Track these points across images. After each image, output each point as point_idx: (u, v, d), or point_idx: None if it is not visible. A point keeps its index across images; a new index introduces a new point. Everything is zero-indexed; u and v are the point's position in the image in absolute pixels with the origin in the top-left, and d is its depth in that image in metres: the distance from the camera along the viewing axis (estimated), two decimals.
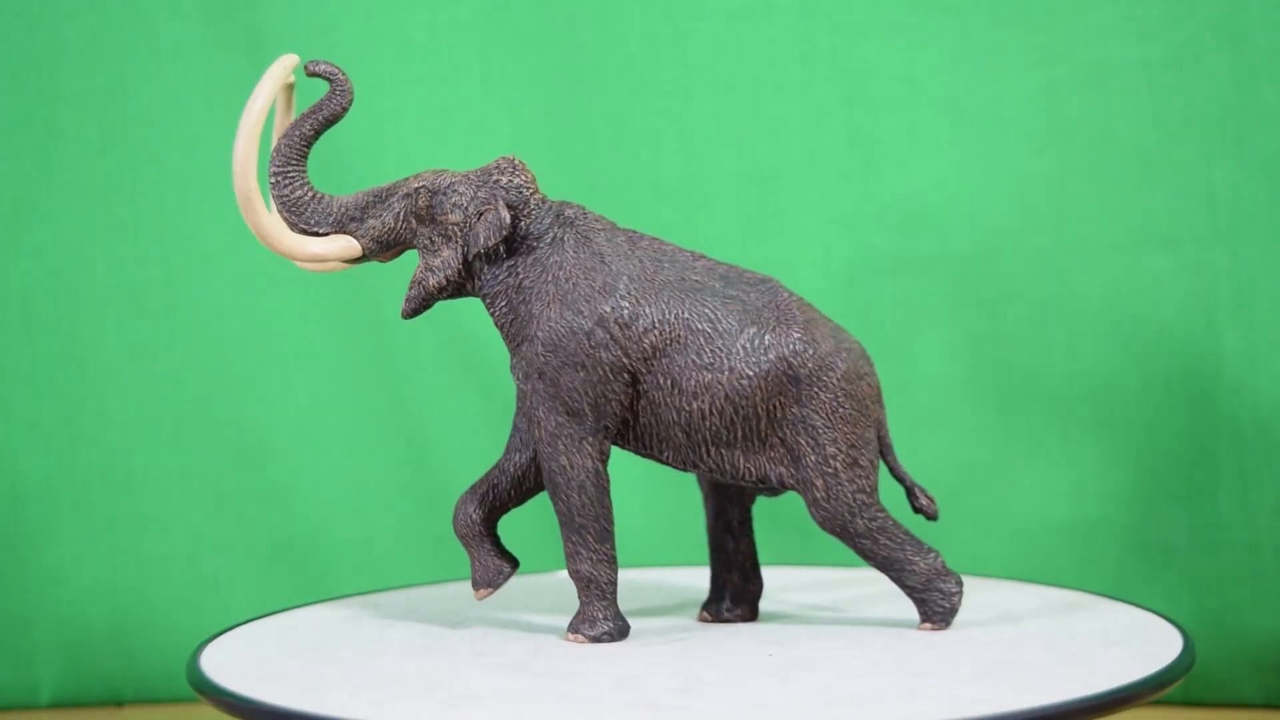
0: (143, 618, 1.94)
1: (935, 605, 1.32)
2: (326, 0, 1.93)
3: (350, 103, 1.36)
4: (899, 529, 1.31)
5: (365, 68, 1.93)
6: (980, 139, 1.86)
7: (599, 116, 1.93)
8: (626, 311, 1.30)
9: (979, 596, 1.53)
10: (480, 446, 1.94)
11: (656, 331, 1.30)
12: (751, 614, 1.42)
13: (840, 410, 1.29)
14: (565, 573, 1.76)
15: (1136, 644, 1.29)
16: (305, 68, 1.36)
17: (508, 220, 1.33)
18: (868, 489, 1.30)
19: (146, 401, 1.95)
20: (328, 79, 1.36)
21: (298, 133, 1.36)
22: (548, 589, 1.64)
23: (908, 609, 1.45)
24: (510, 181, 1.37)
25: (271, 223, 1.35)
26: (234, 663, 1.29)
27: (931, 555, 1.32)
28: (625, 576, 1.46)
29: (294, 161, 1.36)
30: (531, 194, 1.37)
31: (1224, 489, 1.79)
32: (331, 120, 1.36)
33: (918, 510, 1.34)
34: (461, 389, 1.95)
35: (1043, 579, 1.77)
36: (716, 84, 1.91)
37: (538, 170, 1.98)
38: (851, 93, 1.89)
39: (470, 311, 1.95)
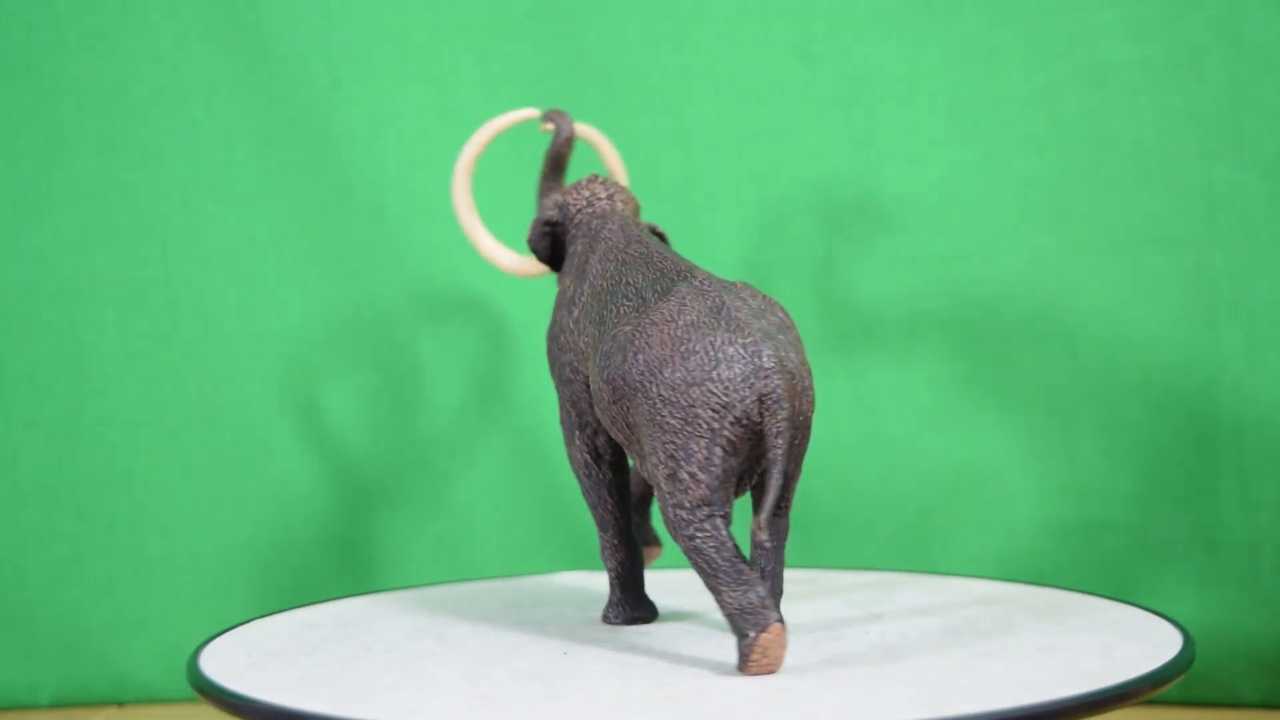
0: (143, 618, 1.94)
1: (737, 644, 1.21)
2: (326, 0, 1.93)
3: (566, 140, 1.55)
4: (721, 554, 1.20)
5: (365, 68, 1.94)
6: (980, 139, 1.86)
7: (599, 117, 1.93)
8: (571, 319, 1.38)
9: (978, 597, 1.53)
10: (480, 446, 1.94)
11: (583, 338, 1.36)
12: None
13: (659, 419, 1.22)
14: (568, 574, 1.77)
15: (1136, 643, 1.29)
16: (543, 116, 1.58)
17: (529, 236, 1.49)
18: (688, 505, 1.21)
19: (146, 401, 1.95)
20: (552, 121, 1.57)
21: (541, 171, 1.57)
22: (553, 589, 1.64)
23: (901, 610, 1.46)
24: (562, 200, 1.48)
25: (485, 242, 1.57)
26: (234, 663, 1.30)
27: (742, 590, 1.19)
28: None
29: (541, 194, 1.56)
30: (579, 210, 1.46)
31: (1224, 489, 1.79)
32: (557, 158, 1.56)
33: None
34: (461, 389, 1.95)
35: (1043, 579, 1.78)
36: (716, 84, 1.91)
37: (538, 170, 1.99)
38: (851, 93, 1.89)
39: (470, 311, 1.96)
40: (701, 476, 1.20)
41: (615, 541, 1.42)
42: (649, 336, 1.25)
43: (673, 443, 1.21)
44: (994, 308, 1.87)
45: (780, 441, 1.19)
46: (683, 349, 1.22)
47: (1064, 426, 1.85)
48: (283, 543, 1.95)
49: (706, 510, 1.21)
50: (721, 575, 1.20)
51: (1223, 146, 1.79)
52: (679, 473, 1.21)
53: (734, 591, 1.19)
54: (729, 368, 1.20)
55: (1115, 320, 1.83)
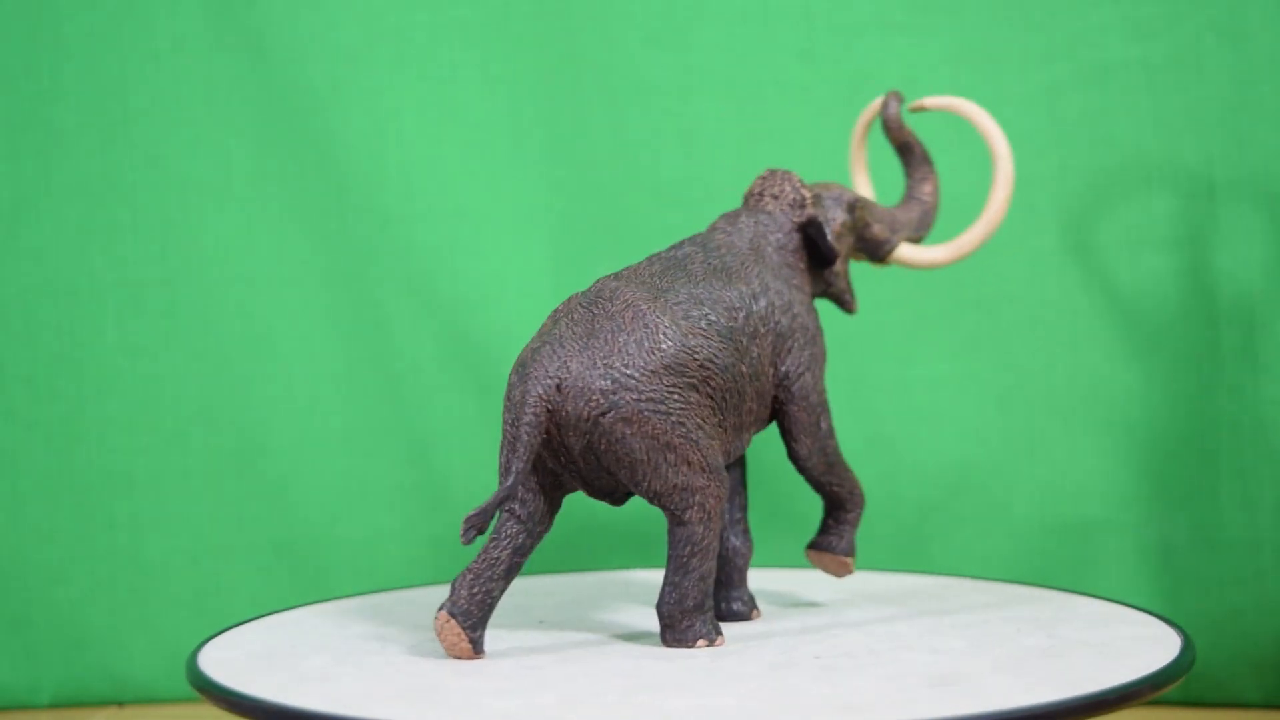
0: (143, 618, 1.94)
1: None
2: (326, 0, 1.93)
3: (886, 124, 1.56)
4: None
5: (365, 68, 1.94)
6: (980, 139, 1.86)
7: (599, 116, 1.93)
8: None
9: (978, 597, 1.53)
10: (480, 447, 1.94)
11: None
12: None
13: None
14: (570, 575, 1.77)
15: (1136, 645, 1.29)
16: (909, 106, 1.58)
17: None
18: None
19: (146, 401, 1.94)
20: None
21: None
22: (555, 590, 1.64)
23: (900, 610, 1.46)
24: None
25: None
26: (234, 662, 1.30)
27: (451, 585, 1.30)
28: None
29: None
30: (743, 204, 1.49)
31: (1224, 489, 1.79)
32: (894, 146, 1.58)
33: None
34: (461, 389, 1.95)
35: (1043, 579, 1.78)
36: (717, 84, 1.91)
37: (538, 170, 1.98)
38: (851, 93, 1.89)
39: (470, 311, 1.96)
40: (503, 476, 1.27)
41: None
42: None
43: None
44: (994, 308, 1.87)
45: (506, 442, 1.27)
46: (520, 358, 1.31)
47: (1064, 426, 1.85)
48: (283, 543, 1.95)
49: (506, 505, 1.30)
50: None
51: (1223, 146, 1.79)
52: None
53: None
54: (514, 374, 1.29)
55: (1115, 320, 1.83)
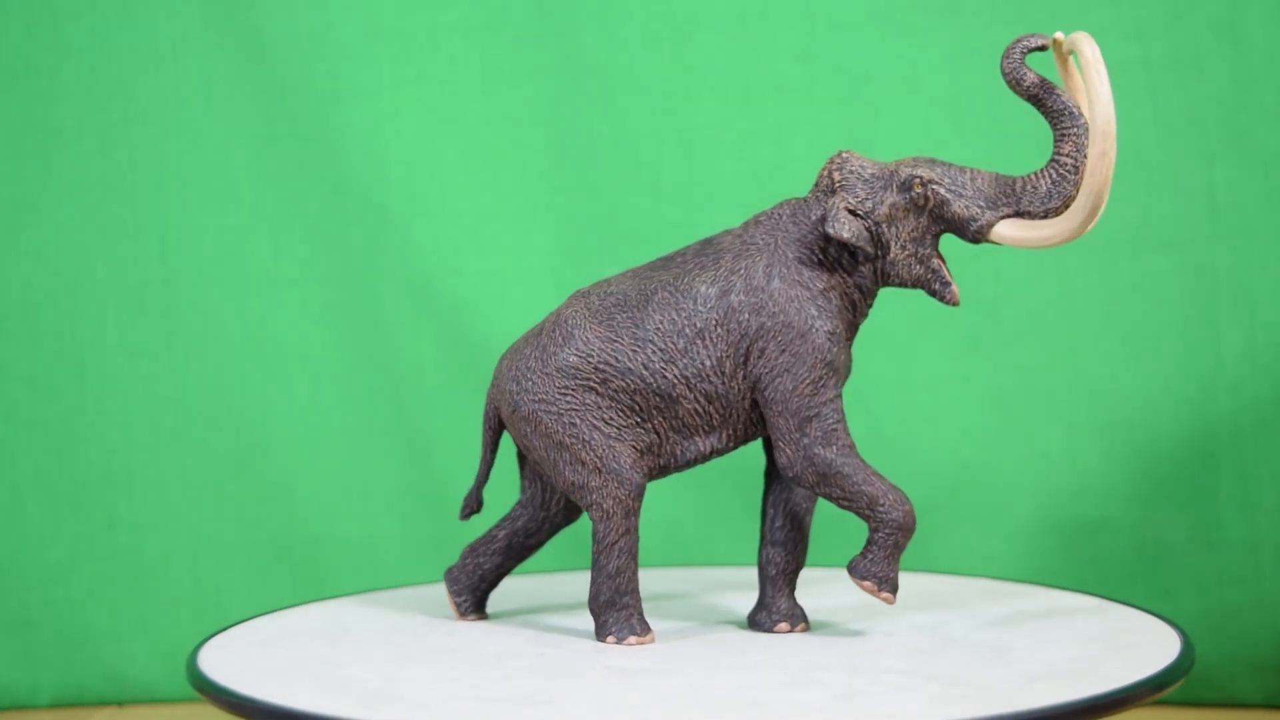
0: (143, 618, 1.94)
1: None
2: (326, 0, 1.93)
3: (1005, 78, 1.36)
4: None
5: (365, 68, 1.94)
6: (980, 139, 1.86)
7: (599, 116, 1.93)
8: None
9: (978, 597, 1.53)
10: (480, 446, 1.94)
11: None
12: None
13: None
14: (570, 575, 1.77)
15: (1136, 644, 1.29)
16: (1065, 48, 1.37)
17: None
18: None
19: (146, 401, 1.95)
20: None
21: None
22: (555, 590, 1.64)
23: (900, 610, 1.46)
24: None
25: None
26: (234, 662, 1.30)
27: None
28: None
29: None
30: None
31: (1224, 489, 1.79)
32: (1020, 96, 1.36)
33: None
34: (461, 389, 1.95)
35: (1043, 579, 1.78)
36: (717, 84, 1.91)
37: (538, 170, 1.99)
38: (851, 93, 1.89)
39: (470, 311, 1.96)
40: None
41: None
42: None
43: None
44: (994, 308, 1.87)
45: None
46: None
47: (1064, 426, 1.85)
48: (283, 543, 1.95)
49: (524, 492, 1.45)
50: None
51: (1223, 146, 1.79)
52: None
53: None
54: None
55: (1115, 320, 1.83)
